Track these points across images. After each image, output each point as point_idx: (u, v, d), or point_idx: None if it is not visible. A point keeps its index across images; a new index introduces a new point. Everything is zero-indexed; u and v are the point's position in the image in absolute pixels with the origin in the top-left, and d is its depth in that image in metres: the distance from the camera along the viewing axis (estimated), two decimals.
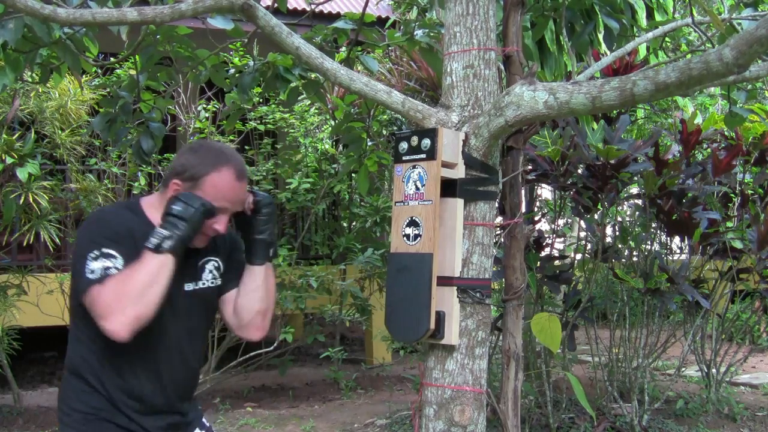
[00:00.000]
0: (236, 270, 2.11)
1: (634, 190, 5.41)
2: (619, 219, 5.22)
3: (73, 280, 1.92)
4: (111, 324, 1.78)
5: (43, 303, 5.65)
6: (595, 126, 4.31)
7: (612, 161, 3.87)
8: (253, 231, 2.07)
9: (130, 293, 1.79)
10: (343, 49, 4.32)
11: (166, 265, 1.84)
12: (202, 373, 5.49)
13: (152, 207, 1.99)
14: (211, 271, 2.09)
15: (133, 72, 3.57)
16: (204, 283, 2.07)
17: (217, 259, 2.10)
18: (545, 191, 5.92)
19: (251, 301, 2.07)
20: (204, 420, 2.21)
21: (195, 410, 2.18)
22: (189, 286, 2.03)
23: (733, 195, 5.04)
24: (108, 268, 1.83)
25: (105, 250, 1.85)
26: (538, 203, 5.72)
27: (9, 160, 5.18)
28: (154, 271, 1.82)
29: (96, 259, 1.84)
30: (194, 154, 1.97)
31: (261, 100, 6.48)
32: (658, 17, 6.57)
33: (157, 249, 1.84)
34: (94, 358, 1.96)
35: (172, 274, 1.87)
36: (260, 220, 2.07)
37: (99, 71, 5.89)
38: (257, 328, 2.09)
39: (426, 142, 2.14)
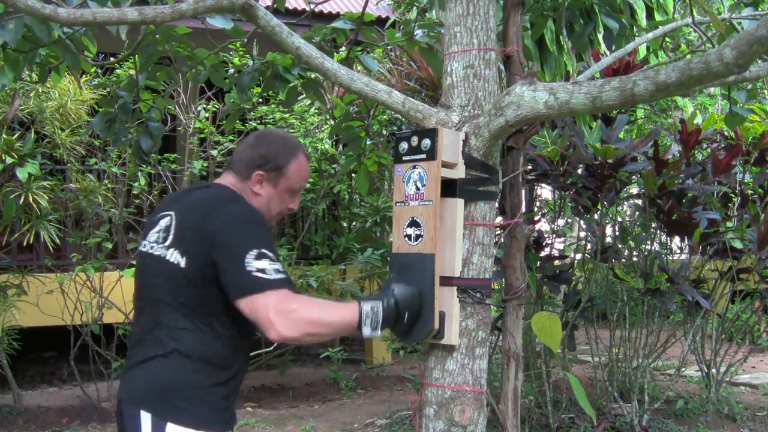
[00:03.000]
0: None
1: (633, 190, 5.41)
2: (619, 219, 5.22)
3: (233, 271, 1.87)
4: (287, 331, 1.82)
5: (43, 303, 5.64)
6: (594, 126, 4.31)
7: (609, 161, 3.87)
8: None
9: (316, 322, 1.87)
10: (343, 49, 4.32)
11: (349, 330, 1.95)
12: None
13: (247, 197, 2.06)
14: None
15: (132, 72, 3.57)
16: None
17: None
18: (545, 191, 5.92)
19: None
20: None
21: None
22: None
23: (733, 195, 5.04)
24: (280, 271, 1.88)
25: (270, 254, 1.89)
26: (538, 203, 5.71)
27: (9, 160, 5.18)
28: (343, 326, 1.94)
29: (271, 261, 1.88)
30: (271, 145, 2.10)
31: (261, 99, 6.49)
32: (658, 17, 6.57)
33: (361, 327, 1.93)
34: (228, 350, 1.99)
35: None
36: None
37: (98, 71, 5.90)
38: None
39: (426, 142, 2.14)
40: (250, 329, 2.04)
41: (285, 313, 1.82)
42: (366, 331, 1.93)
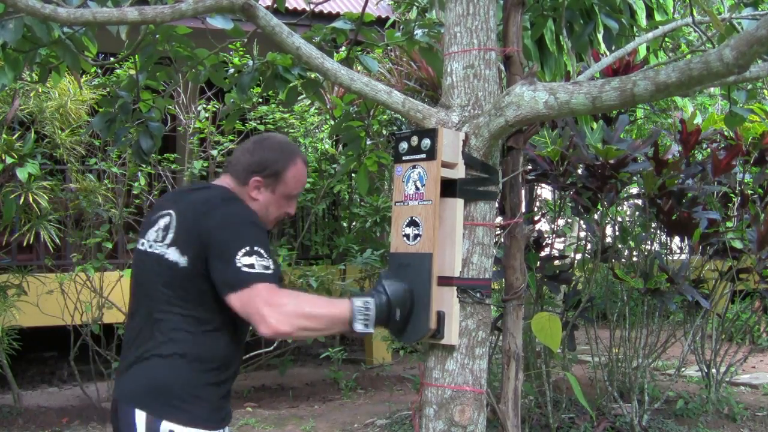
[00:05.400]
0: None
1: (633, 190, 5.41)
2: (619, 219, 5.21)
3: (223, 268, 1.88)
4: (278, 324, 1.83)
5: (43, 303, 5.64)
6: (594, 126, 4.31)
7: (611, 161, 3.87)
8: None
9: (309, 317, 1.89)
10: (343, 49, 4.32)
11: (339, 328, 1.98)
12: None
13: (245, 201, 2.08)
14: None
15: (132, 72, 3.57)
16: None
17: None
18: (545, 191, 5.91)
19: None
20: None
21: None
22: None
23: (732, 195, 5.04)
24: (269, 268, 1.88)
25: (264, 253, 1.90)
26: (538, 203, 5.71)
27: (9, 160, 5.17)
28: (333, 324, 1.96)
29: (263, 257, 1.89)
30: (269, 151, 2.11)
31: (261, 99, 6.48)
32: (658, 17, 6.57)
33: (352, 323, 1.94)
34: (222, 348, 2.01)
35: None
36: None
37: (98, 71, 5.90)
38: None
39: (426, 142, 2.14)
40: (245, 328, 2.05)
41: (277, 307, 1.83)
42: (358, 326, 1.94)
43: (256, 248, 1.88)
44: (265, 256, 1.89)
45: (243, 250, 1.86)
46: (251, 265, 1.85)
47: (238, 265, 1.85)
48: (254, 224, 1.97)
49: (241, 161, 2.11)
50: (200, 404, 1.95)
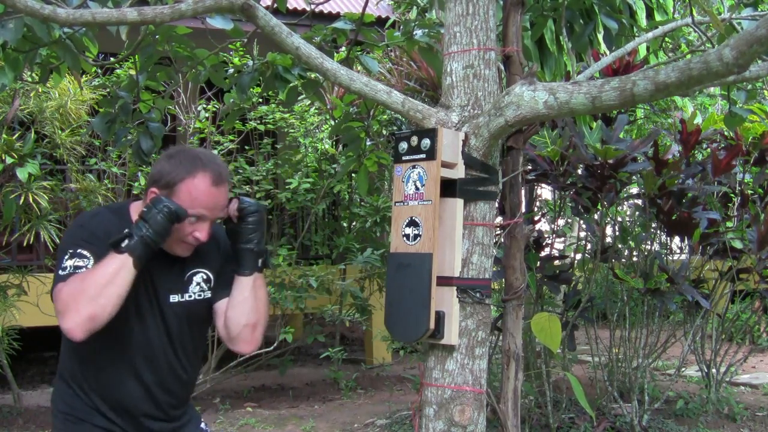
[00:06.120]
0: (228, 281, 2.05)
1: (633, 190, 5.41)
2: (619, 219, 5.21)
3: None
4: (66, 322, 1.77)
5: (43, 303, 5.64)
6: (594, 126, 4.31)
7: (610, 161, 3.87)
8: (240, 240, 2.01)
9: (86, 291, 1.77)
10: (343, 49, 4.32)
11: (126, 266, 1.80)
12: (202, 373, 5.49)
13: (137, 211, 1.95)
14: (198, 284, 2.05)
15: (132, 72, 3.56)
16: (191, 296, 2.03)
17: (206, 270, 2.06)
18: (545, 191, 5.92)
19: (238, 314, 2.01)
20: (203, 425, 2.21)
21: (189, 415, 2.17)
22: (174, 298, 2.00)
23: (732, 195, 5.04)
24: (78, 267, 1.83)
25: (79, 251, 1.86)
26: (538, 203, 5.71)
27: (9, 160, 5.18)
28: (112, 272, 1.79)
29: (69, 258, 1.85)
30: (169, 161, 1.94)
31: (261, 100, 6.48)
32: (657, 17, 6.57)
33: (116, 247, 1.81)
34: (76, 362, 1.99)
35: (145, 280, 1.90)
36: (247, 229, 2.00)
37: (99, 71, 5.90)
38: (246, 342, 2.03)
39: (426, 142, 2.14)
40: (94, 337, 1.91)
41: (60, 311, 1.79)
42: (126, 242, 1.81)
43: (79, 250, 1.88)
44: (79, 255, 1.86)
45: (66, 255, 1.88)
46: (64, 267, 1.86)
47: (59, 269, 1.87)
48: (81, 226, 1.97)
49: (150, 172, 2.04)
50: (58, 416, 2.06)
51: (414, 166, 2.16)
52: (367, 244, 6.64)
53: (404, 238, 2.17)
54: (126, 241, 1.81)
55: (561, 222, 5.46)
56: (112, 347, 1.94)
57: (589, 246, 4.79)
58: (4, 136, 5.26)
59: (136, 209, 1.99)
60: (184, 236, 1.94)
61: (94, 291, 1.77)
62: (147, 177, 2.02)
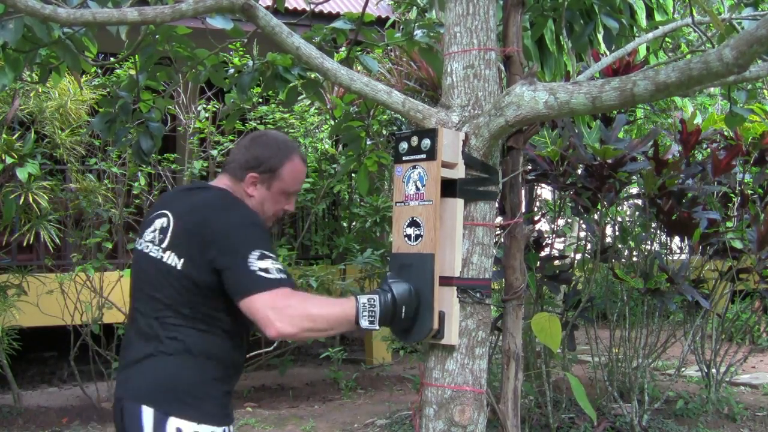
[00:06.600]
0: None
1: (633, 190, 5.41)
2: (619, 219, 5.22)
3: (235, 273, 1.89)
4: (287, 328, 1.84)
5: (43, 303, 5.64)
6: (593, 125, 4.31)
7: (609, 161, 3.87)
8: None
9: (314, 319, 1.89)
10: (343, 49, 4.32)
11: (348, 326, 1.96)
12: None
13: (239, 194, 2.09)
14: None
15: (132, 72, 3.56)
16: None
17: None
18: (545, 191, 5.92)
19: None
20: None
21: None
22: None
23: (732, 195, 5.04)
24: (281, 270, 1.91)
25: (267, 252, 1.91)
26: (538, 203, 5.71)
27: (9, 160, 5.18)
28: (337, 322, 1.95)
29: (264, 259, 1.89)
30: (265, 147, 2.11)
31: (261, 99, 6.49)
32: (658, 17, 6.57)
33: (358, 320, 1.94)
34: (228, 346, 2.04)
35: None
36: None
37: (99, 71, 5.90)
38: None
39: (426, 142, 2.14)
40: (248, 327, 2.07)
41: (281, 309, 1.84)
42: (363, 323, 1.94)
43: (264, 251, 1.89)
44: (276, 258, 1.91)
45: (255, 254, 1.88)
46: (266, 269, 1.87)
47: (253, 269, 1.86)
48: (256, 225, 1.99)
49: (237, 158, 2.13)
50: (208, 400, 1.97)
51: (414, 167, 2.16)
52: (367, 244, 6.64)
53: (406, 239, 2.17)
54: (367, 321, 1.95)
55: (561, 222, 5.46)
56: (248, 327, 2.12)
57: (589, 246, 4.79)
58: (4, 136, 5.26)
59: (237, 192, 2.09)
60: (279, 211, 2.17)
61: (319, 323, 1.90)
62: (236, 162, 2.12)
